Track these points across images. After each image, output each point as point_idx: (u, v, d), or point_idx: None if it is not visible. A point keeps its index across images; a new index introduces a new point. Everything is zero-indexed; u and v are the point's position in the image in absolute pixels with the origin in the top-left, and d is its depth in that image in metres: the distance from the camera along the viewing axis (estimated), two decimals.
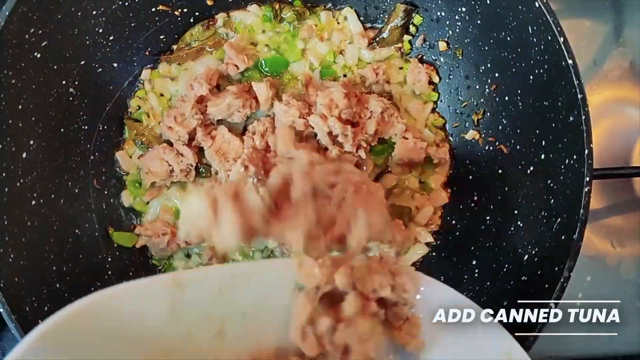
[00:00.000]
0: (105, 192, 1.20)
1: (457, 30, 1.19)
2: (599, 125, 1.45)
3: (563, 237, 0.98)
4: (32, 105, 1.06)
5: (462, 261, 1.19)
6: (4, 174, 1.01)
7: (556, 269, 0.96)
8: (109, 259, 1.17)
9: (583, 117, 0.96)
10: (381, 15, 1.26)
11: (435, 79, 1.25)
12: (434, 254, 1.23)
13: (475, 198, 1.21)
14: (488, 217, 1.17)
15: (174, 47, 1.25)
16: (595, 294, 1.42)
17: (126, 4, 1.14)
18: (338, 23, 1.28)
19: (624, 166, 1.38)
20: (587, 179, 0.95)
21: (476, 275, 1.15)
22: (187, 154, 1.17)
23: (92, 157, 1.18)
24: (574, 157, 0.98)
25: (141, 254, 1.22)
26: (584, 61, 1.47)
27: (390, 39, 1.25)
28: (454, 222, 1.24)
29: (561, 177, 1.01)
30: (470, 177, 1.22)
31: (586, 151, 0.95)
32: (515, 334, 0.97)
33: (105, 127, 1.20)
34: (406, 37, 1.26)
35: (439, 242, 1.24)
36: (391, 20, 1.24)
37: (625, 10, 1.49)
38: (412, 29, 1.25)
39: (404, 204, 1.23)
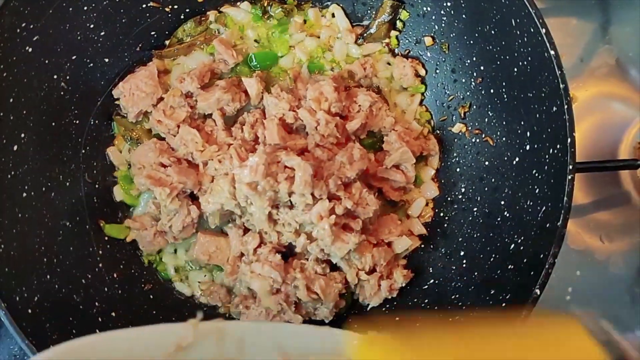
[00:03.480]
0: (97, 186, 1.21)
1: (443, 24, 1.21)
2: (586, 120, 1.47)
3: (548, 225, 1.00)
4: (23, 98, 1.07)
5: (450, 252, 1.20)
6: None
7: (541, 256, 0.98)
8: (100, 252, 1.18)
9: (565, 107, 0.98)
10: (369, 12, 1.28)
11: (422, 72, 1.27)
12: (422, 245, 1.24)
13: (463, 190, 1.22)
14: (475, 209, 1.19)
15: (167, 42, 1.26)
16: (585, 288, 1.43)
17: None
18: (326, 19, 1.29)
19: (611, 159, 1.40)
20: (570, 167, 0.97)
21: (464, 265, 1.16)
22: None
23: (83, 151, 1.19)
24: (558, 146, 1.00)
25: (132, 247, 1.23)
26: (571, 58, 1.49)
27: (377, 34, 1.27)
28: (442, 214, 1.25)
29: (545, 167, 1.03)
30: (457, 170, 1.24)
31: (569, 140, 0.97)
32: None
33: (97, 121, 1.21)
34: (393, 33, 1.27)
35: (428, 233, 1.24)
36: (378, 16, 1.26)
37: (611, 8, 1.52)
38: (398, 24, 1.27)
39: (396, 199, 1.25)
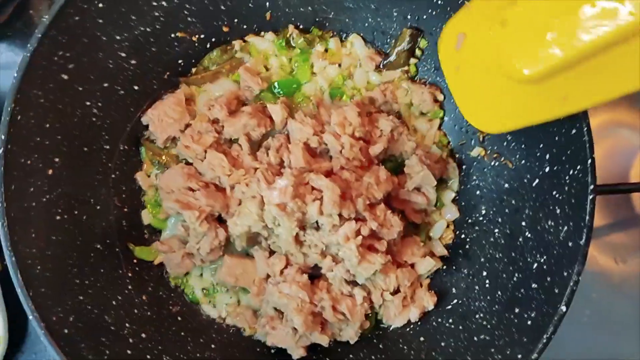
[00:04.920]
0: (126, 210, 1.24)
1: None
2: (597, 147, 1.48)
3: (570, 244, 1.02)
4: (58, 124, 1.11)
5: (472, 273, 1.22)
6: (31, 189, 1.06)
7: (565, 274, 1.00)
8: (129, 274, 1.20)
9: (585, 129, 1.01)
10: (388, 41, 1.32)
11: (440, 97, 1.31)
12: (444, 267, 1.27)
13: (484, 212, 1.25)
14: (497, 230, 1.21)
15: (193, 70, 1.31)
16: (601, 310, 1.45)
17: (147, 30, 1.20)
18: (346, 48, 1.34)
19: (623, 182, 1.43)
20: (592, 186, 1.00)
21: (487, 286, 1.19)
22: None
23: (113, 176, 1.22)
24: (578, 167, 1.03)
25: (159, 270, 1.25)
26: None
27: (397, 62, 1.31)
28: (463, 235, 1.28)
29: (566, 188, 1.06)
30: (477, 192, 1.26)
31: (589, 160, 1.01)
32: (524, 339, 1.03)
33: (126, 147, 1.25)
34: (412, 61, 1.32)
35: (449, 255, 1.27)
36: (398, 44, 1.30)
37: None
38: (417, 52, 1.31)
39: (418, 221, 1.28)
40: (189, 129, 1.24)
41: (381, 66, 1.33)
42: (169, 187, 1.22)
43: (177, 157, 1.28)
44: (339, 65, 1.33)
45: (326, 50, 1.33)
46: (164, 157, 1.27)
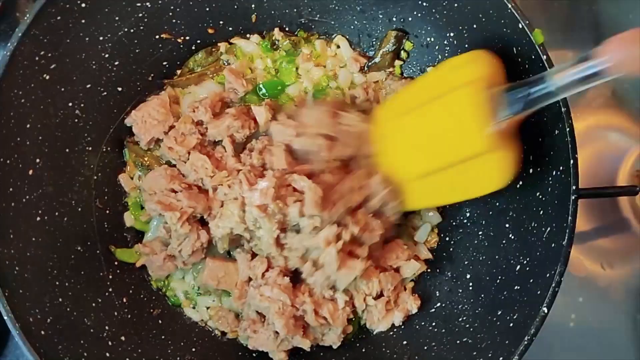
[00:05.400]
0: (108, 212, 1.23)
1: (446, 54, 1.25)
2: (584, 150, 1.50)
3: (553, 245, 1.02)
4: (39, 124, 1.10)
5: (456, 276, 1.22)
6: (10, 189, 1.05)
7: (547, 275, 1.00)
8: (110, 277, 1.19)
9: (567, 129, 1.01)
10: (374, 43, 1.32)
11: None
12: (429, 270, 1.26)
13: (468, 214, 1.25)
14: (480, 232, 1.21)
15: (178, 71, 1.30)
16: (587, 314, 1.45)
17: (131, 31, 1.20)
18: (331, 49, 1.34)
19: (610, 186, 1.43)
20: (574, 187, 1.00)
21: (470, 288, 1.18)
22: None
23: (95, 178, 1.21)
24: (561, 168, 1.03)
25: (141, 273, 1.24)
26: None
27: (382, 63, 1.31)
28: (447, 238, 1.27)
29: (549, 189, 1.06)
30: None
31: (571, 161, 1.00)
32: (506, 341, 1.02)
33: (109, 148, 1.24)
34: (397, 63, 1.32)
35: (433, 258, 1.26)
36: (383, 46, 1.30)
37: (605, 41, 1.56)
38: (403, 54, 1.31)
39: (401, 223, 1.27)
40: (173, 130, 1.24)
41: (366, 68, 1.33)
42: (152, 188, 1.21)
43: (160, 159, 1.27)
44: (324, 66, 1.33)
45: (311, 53, 1.33)
46: (147, 159, 1.26)
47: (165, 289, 1.26)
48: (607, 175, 1.49)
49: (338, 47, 1.34)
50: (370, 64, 1.33)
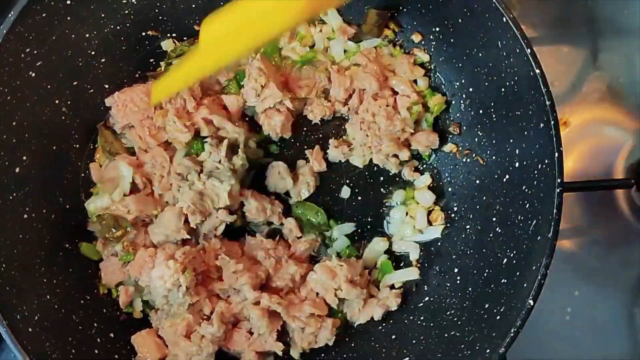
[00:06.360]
0: None
1: (432, 49, 1.26)
2: (580, 144, 1.50)
3: (539, 238, 1.02)
4: (25, 122, 1.10)
5: (444, 270, 1.22)
6: None
7: (533, 267, 1.00)
8: (98, 274, 1.19)
9: (552, 122, 1.01)
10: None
11: (425, 58, 1.29)
12: (418, 265, 1.26)
13: (455, 208, 1.25)
14: (468, 227, 1.21)
15: (162, 63, 1.29)
16: (583, 308, 1.45)
17: (117, 28, 1.20)
18: (316, 28, 1.31)
19: (606, 179, 1.43)
20: (559, 180, 1.00)
21: (458, 282, 1.19)
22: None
23: (82, 175, 1.21)
24: (546, 161, 1.03)
25: None
26: (564, 85, 1.52)
27: (372, 33, 1.29)
28: None
29: (535, 182, 1.06)
30: (450, 189, 1.27)
31: (556, 154, 1.01)
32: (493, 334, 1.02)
33: (96, 146, 1.23)
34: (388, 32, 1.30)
35: (421, 252, 1.26)
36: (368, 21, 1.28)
37: (600, 37, 1.56)
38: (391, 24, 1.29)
39: None
40: (149, 121, 1.22)
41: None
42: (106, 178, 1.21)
43: (125, 148, 1.25)
44: (310, 47, 1.31)
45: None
46: (114, 145, 1.23)
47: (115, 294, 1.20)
48: (602, 169, 1.49)
49: (323, 22, 1.31)
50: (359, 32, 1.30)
